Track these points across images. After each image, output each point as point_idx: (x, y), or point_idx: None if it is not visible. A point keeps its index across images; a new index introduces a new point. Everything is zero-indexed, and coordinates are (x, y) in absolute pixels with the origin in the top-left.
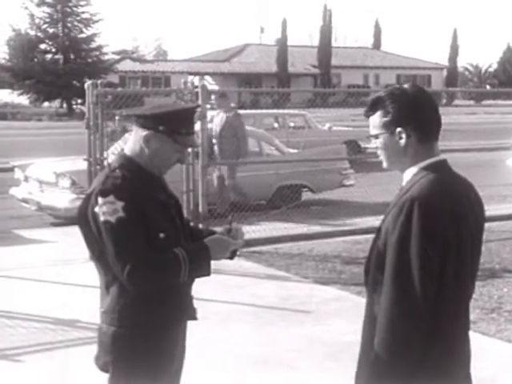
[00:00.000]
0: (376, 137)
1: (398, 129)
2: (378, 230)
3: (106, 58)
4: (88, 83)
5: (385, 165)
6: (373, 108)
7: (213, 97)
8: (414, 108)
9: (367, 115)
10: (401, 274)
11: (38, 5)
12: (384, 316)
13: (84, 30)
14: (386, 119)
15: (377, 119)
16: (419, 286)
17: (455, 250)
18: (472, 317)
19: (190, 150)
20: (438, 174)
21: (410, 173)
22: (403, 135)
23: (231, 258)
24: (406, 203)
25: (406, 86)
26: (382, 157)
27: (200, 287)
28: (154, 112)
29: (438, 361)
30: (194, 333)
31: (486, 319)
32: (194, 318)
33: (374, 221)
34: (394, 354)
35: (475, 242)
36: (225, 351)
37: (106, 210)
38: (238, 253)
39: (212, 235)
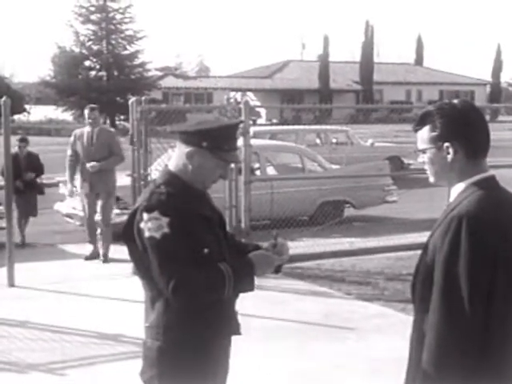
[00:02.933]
0: (423, 151)
1: (446, 144)
2: (425, 247)
3: (150, 74)
4: (132, 100)
5: (431, 179)
6: (421, 122)
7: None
8: (463, 124)
9: (415, 130)
10: (449, 292)
11: (83, 22)
12: (433, 334)
13: (128, 47)
14: (433, 134)
15: (425, 134)
16: (468, 303)
17: (505, 266)
18: None
19: (233, 165)
20: (487, 191)
21: (457, 189)
22: (450, 151)
23: (276, 272)
24: (454, 220)
25: (456, 101)
26: (428, 171)
27: (243, 302)
28: (198, 128)
29: (489, 379)
30: (237, 348)
31: None
32: (239, 333)
33: (417, 237)
34: (444, 373)
35: None
36: (268, 367)
37: (151, 225)
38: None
39: (257, 250)
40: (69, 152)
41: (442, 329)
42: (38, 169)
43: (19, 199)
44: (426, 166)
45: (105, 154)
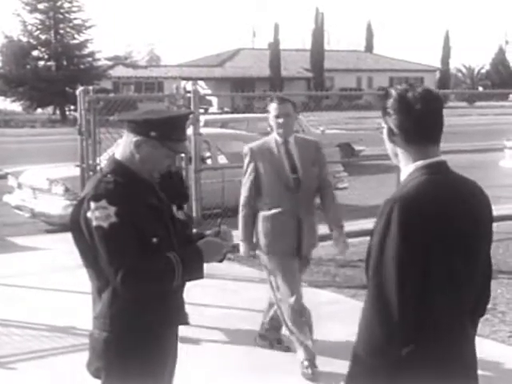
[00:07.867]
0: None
1: (391, 126)
2: (371, 233)
3: (99, 64)
4: (79, 89)
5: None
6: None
7: None
8: (413, 110)
9: None
10: (379, 277)
11: (31, 11)
12: (363, 320)
13: (76, 36)
14: (385, 114)
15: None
16: (396, 289)
17: (441, 252)
18: None
19: (182, 155)
20: (431, 175)
21: (405, 173)
22: (394, 133)
23: (221, 260)
24: (387, 204)
25: (416, 86)
26: None
27: (194, 292)
28: (146, 118)
29: (420, 364)
30: (188, 338)
31: (481, 321)
32: (186, 323)
33: (368, 224)
34: (371, 356)
35: (471, 244)
36: (219, 356)
37: (98, 215)
38: (230, 256)
39: (202, 238)
40: (247, 188)
41: (370, 315)
42: (181, 193)
43: None
44: None
45: (314, 178)
